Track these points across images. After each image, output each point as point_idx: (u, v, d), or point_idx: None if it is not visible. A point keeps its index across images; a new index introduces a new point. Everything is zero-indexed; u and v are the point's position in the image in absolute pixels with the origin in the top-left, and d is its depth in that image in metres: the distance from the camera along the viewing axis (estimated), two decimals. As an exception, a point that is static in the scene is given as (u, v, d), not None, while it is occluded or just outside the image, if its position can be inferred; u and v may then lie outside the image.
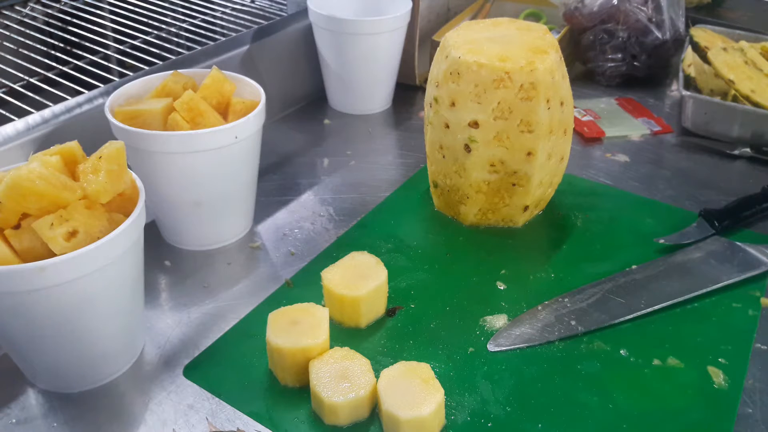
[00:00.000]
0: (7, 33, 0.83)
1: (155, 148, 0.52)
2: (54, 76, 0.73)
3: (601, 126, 0.80)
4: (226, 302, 0.54)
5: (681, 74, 0.81)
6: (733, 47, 0.79)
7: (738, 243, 0.59)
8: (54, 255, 0.39)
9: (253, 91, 0.60)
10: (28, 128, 0.57)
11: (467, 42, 0.57)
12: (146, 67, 0.70)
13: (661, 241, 0.60)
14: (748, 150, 0.74)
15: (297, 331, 0.46)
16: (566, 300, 0.54)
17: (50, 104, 0.61)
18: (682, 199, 0.67)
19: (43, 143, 0.57)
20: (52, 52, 0.80)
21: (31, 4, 0.92)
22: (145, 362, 0.48)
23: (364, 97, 0.83)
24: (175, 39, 0.87)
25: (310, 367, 0.44)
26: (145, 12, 0.89)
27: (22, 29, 0.85)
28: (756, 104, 0.74)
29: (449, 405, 0.45)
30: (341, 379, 0.43)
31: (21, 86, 0.70)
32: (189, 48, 0.79)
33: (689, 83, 0.81)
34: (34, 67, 0.75)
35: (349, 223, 0.63)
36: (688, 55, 0.84)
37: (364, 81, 0.81)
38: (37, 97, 0.67)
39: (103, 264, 0.41)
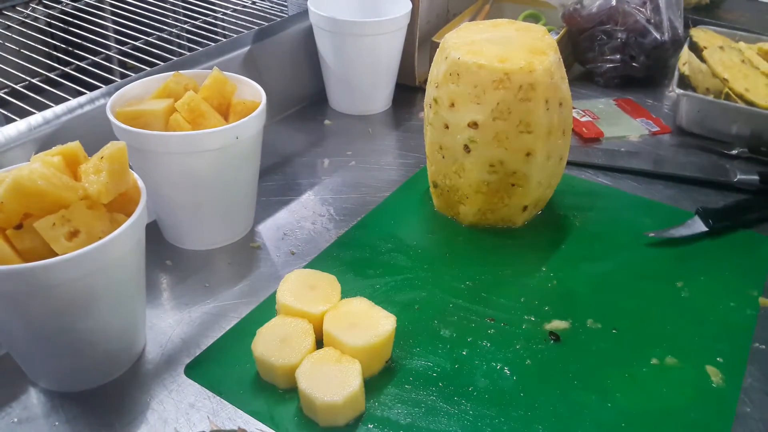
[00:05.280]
0: (9, 34, 0.84)
1: (157, 148, 0.53)
2: (56, 77, 0.73)
3: (599, 126, 0.80)
4: (227, 301, 0.54)
5: (676, 73, 0.81)
6: (731, 46, 0.79)
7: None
8: (56, 255, 0.40)
9: (253, 91, 0.60)
10: (30, 129, 0.58)
11: (467, 43, 0.57)
12: (148, 68, 0.71)
13: (651, 234, 0.61)
14: (746, 150, 0.74)
15: (287, 347, 0.46)
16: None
17: (52, 105, 0.61)
18: (681, 199, 0.68)
19: (45, 143, 0.58)
20: (54, 52, 0.80)
21: (33, 5, 0.92)
22: (146, 361, 0.49)
23: (364, 97, 0.83)
24: (177, 40, 0.88)
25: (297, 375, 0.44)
26: (146, 13, 0.90)
27: (24, 30, 0.85)
28: (750, 102, 0.74)
29: (451, 405, 0.45)
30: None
31: (23, 87, 0.71)
32: (190, 49, 0.80)
33: (684, 81, 0.82)
34: (35, 68, 0.75)
35: (350, 223, 0.64)
36: (684, 54, 0.84)
37: (364, 82, 0.81)
38: (38, 98, 0.67)
39: (104, 264, 0.41)
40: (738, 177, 0.68)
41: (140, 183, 0.46)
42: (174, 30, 0.88)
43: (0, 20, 0.87)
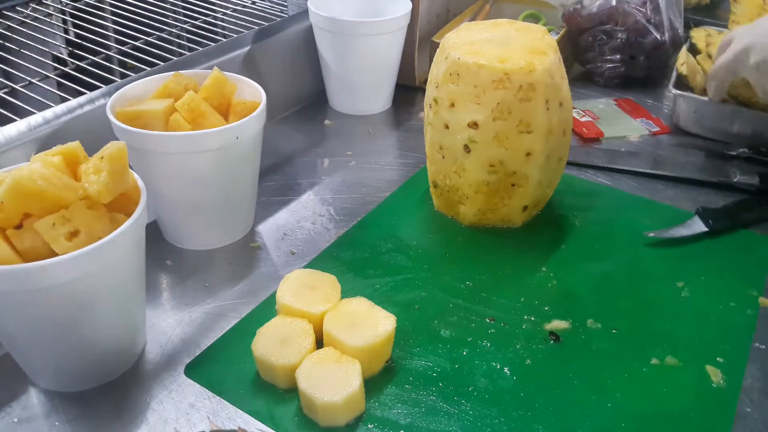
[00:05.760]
0: (9, 34, 0.84)
1: (157, 148, 0.53)
2: (56, 77, 0.73)
3: (599, 126, 0.80)
4: (227, 301, 0.54)
5: (674, 73, 0.81)
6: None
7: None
8: (56, 255, 0.40)
9: (253, 91, 0.60)
10: (30, 129, 0.58)
11: (467, 43, 0.57)
12: (148, 68, 0.71)
13: (651, 234, 0.61)
14: (746, 150, 0.74)
15: (287, 347, 0.46)
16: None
17: (52, 105, 0.61)
18: (681, 199, 0.68)
19: (45, 144, 0.58)
20: (54, 52, 0.80)
21: (33, 5, 0.92)
22: (146, 361, 0.49)
23: (364, 97, 0.83)
24: (177, 40, 0.88)
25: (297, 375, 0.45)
26: (146, 13, 0.90)
27: (24, 30, 0.85)
28: (746, 103, 0.74)
29: (451, 405, 0.45)
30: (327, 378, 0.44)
31: (23, 87, 0.71)
32: (190, 49, 0.80)
33: (681, 82, 0.82)
34: (35, 68, 0.75)
35: (350, 223, 0.64)
36: (682, 54, 0.84)
37: (364, 82, 0.82)
38: (38, 98, 0.67)
39: (104, 264, 0.41)
40: (738, 177, 0.69)
41: (140, 183, 0.46)
42: (174, 30, 0.88)
43: (0, 20, 0.87)
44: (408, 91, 0.89)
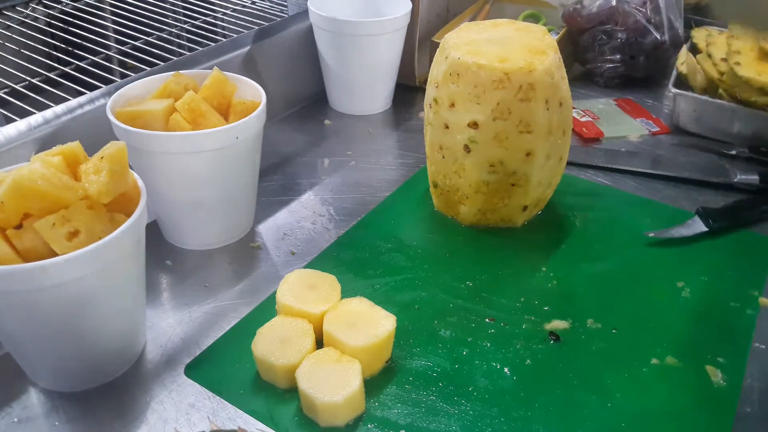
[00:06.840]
0: (9, 33, 0.84)
1: (157, 148, 0.53)
2: (56, 77, 0.73)
3: (599, 126, 0.80)
4: (227, 301, 0.54)
5: (674, 72, 0.81)
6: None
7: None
8: (56, 255, 0.40)
9: (254, 91, 0.60)
10: (30, 129, 0.58)
11: (467, 43, 0.57)
12: (148, 68, 0.71)
13: (651, 234, 0.61)
14: (745, 150, 0.74)
15: (287, 347, 0.46)
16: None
17: (52, 105, 0.61)
18: (681, 199, 0.68)
19: (45, 144, 0.58)
20: (54, 52, 0.80)
21: (33, 5, 0.92)
22: (146, 361, 0.49)
23: (364, 97, 0.83)
24: (177, 40, 0.88)
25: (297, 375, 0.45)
26: (146, 13, 0.90)
27: (24, 30, 0.85)
28: (746, 103, 0.74)
29: (451, 405, 0.45)
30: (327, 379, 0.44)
31: (23, 87, 0.71)
32: (190, 49, 0.80)
33: (681, 81, 0.82)
34: (35, 68, 0.75)
35: (350, 223, 0.64)
36: (682, 53, 0.84)
37: (364, 82, 0.82)
38: (38, 98, 0.67)
39: (104, 264, 0.41)
40: (738, 177, 0.69)
41: (140, 183, 0.46)
42: (174, 30, 0.88)
43: (0, 20, 0.87)
44: (408, 91, 0.89)
